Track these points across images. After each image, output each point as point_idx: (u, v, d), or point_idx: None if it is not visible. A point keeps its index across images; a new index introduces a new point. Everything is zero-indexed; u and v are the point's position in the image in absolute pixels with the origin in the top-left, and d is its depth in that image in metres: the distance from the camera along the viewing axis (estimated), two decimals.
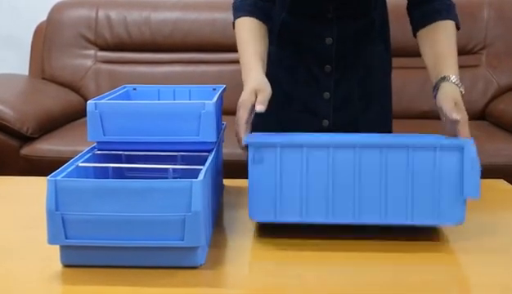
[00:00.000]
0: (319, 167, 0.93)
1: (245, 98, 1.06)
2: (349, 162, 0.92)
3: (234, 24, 1.25)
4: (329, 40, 1.27)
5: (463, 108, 1.05)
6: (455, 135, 1.03)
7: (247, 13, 1.23)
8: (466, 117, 1.04)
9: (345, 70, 1.29)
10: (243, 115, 1.04)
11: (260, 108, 1.04)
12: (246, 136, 1.00)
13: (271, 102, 1.08)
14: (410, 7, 1.27)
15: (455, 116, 1.02)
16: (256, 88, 1.08)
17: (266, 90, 1.08)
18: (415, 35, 1.26)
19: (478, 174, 0.91)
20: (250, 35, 1.21)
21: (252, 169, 0.94)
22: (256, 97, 1.06)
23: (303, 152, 0.93)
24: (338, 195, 0.93)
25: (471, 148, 0.91)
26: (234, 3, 1.27)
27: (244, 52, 1.19)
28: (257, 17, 1.22)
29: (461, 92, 1.10)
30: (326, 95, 1.30)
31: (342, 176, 0.92)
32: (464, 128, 1.02)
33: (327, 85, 1.30)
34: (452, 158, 0.91)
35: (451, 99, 1.06)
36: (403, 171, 0.92)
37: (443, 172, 0.91)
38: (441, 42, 1.19)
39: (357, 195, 0.92)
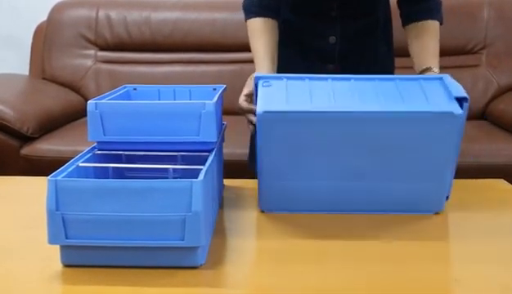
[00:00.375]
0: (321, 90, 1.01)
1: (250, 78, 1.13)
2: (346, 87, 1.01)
3: (246, 22, 1.30)
4: (332, 39, 1.28)
5: None
6: None
7: (255, 14, 1.28)
8: None
9: (348, 69, 1.29)
10: (246, 89, 1.17)
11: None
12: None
13: None
14: (401, 4, 1.31)
15: None
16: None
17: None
18: (403, 27, 1.30)
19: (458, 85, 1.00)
20: (260, 36, 1.26)
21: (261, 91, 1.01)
22: None
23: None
24: (339, 95, 1.00)
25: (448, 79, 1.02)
26: (243, 4, 1.32)
27: (256, 53, 1.26)
28: (265, 16, 1.26)
29: None
30: None
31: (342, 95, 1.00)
32: None
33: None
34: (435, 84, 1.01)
35: None
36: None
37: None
38: (427, 36, 1.26)
39: (357, 95, 0.99)
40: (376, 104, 0.97)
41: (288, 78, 1.04)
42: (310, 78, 1.04)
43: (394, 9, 1.36)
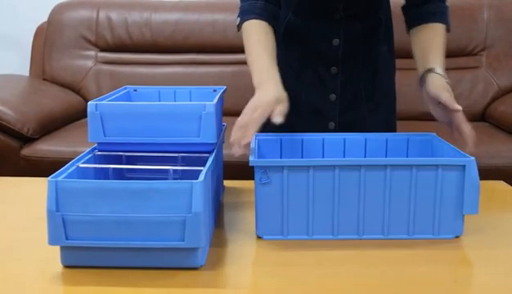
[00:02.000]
0: (324, 187, 0.93)
1: (267, 102, 1.03)
2: (354, 181, 0.93)
3: (240, 26, 1.23)
4: (336, 41, 1.26)
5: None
6: (453, 122, 1.08)
7: (257, 16, 1.21)
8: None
9: (351, 72, 1.29)
10: (259, 117, 1.01)
11: (278, 119, 1.02)
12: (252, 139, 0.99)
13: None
14: (407, 7, 1.28)
15: (457, 106, 1.06)
16: (278, 97, 1.05)
17: (286, 101, 1.07)
18: (408, 32, 1.27)
19: (478, 191, 0.94)
20: (263, 38, 1.19)
21: (259, 190, 0.94)
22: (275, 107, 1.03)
23: (310, 173, 0.93)
24: (342, 213, 0.95)
25: (473, 166, 0.93)
26: (242, 6, 1.24)
27: (259, 56, 1.16)
28: (266, 19, 1.21)
29: (448, 83, 1.14)
30: (332, 97, 1.29)
31: (346, 195, 0.94)
32: (464, 117, 1.07)
33: (333, 87, 1.29)
34: (453, 177, 0.93)
35: (446, 89, 1.11)
36: (406, 190, 0.94)
37: (444, 190, 0.94)
38: (431, 38, 1.22)
39: (361, 213, 0.94)
40: (380, 232, 0.95)
41: (288, 168, 0.92)
42: (314, 168, 0.92)
43: (394, 9, 1.35)
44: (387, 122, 1.36)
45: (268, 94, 1.06)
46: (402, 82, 1.41)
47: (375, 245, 0.93)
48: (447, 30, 1.24)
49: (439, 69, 1.15)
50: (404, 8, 1.29)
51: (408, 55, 1.27)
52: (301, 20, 1.27)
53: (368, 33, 1.28)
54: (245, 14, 1.22)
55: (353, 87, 1.30)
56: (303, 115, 1.31)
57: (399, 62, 1.44)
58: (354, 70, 1.29)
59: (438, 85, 1.12)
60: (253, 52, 1.18)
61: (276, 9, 1.24)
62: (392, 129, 1.38)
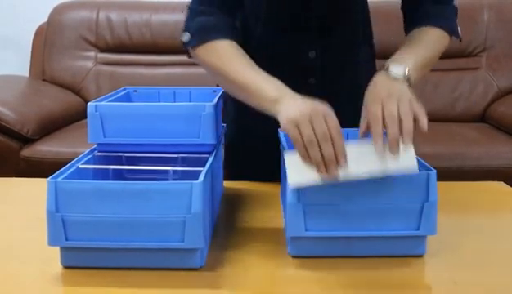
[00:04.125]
0: None
1: (323, 106, 0.88)
2: None
3: (197, 47, 1.06)
4: (312, 53, 1.16)
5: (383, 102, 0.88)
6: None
7: (227, 36, 1.05)
8: (376, 115, 0.87)
9: (331, 80, 1.20)
10: (336, 120, 0.86)
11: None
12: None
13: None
14: (403, 8, 1.19)
15: (361, 131, 0.91)
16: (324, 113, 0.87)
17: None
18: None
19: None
20: (245, 58, 1.02)
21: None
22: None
23: None
24: None
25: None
26: (201, 23, 1.07)
27: (257, 73, 0.99)
28: (236, 40, 1.05)
29: (393, 77, 0.94)
30: None
31: None
32: (377, 128, 0.87)
33: (312, 98, 1.21)
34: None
35: (375, 101, 0.90)
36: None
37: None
38: (412, 36, 1.08)
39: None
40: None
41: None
42: None
43: (374, 11, 1.27)
44: None
45: (308, 101, 0.90)
46: None
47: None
48: (451, 34, 1.11)
49: (394, 65, 0.96)
50: (402, 10, 1.20)
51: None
52: (272, 33, 1.16)
53: (346, 40, 1.19)
54: (209, 33, 1.05)
55: (334, 96, 1.14)
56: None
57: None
58: (334, 79, 1.20)
59: (372, 92, 0.93)
60: (245, 73, 1.00)
61: (232, 20, 1.10)
62: None
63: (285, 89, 0.94)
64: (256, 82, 0.97)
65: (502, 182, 1.29)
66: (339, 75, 1.22)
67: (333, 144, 0.83)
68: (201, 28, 1.06)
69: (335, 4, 1.14)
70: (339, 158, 0.83)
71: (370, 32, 1.29)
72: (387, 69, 0.96)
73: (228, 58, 1.03)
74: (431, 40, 1.08)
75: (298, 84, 1.11)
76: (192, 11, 1.10)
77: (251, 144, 1.22)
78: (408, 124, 0.84)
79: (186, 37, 1.08)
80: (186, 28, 1.09)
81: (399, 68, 0.95)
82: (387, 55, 1.03)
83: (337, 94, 1.20)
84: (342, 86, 1.23)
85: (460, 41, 1.16)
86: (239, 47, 1.05)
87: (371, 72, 1.27)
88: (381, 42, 1.33)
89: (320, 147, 0.83)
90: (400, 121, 0.85)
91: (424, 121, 0.85)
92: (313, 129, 0.84)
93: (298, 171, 0.85)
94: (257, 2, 1.16)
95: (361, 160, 0.84)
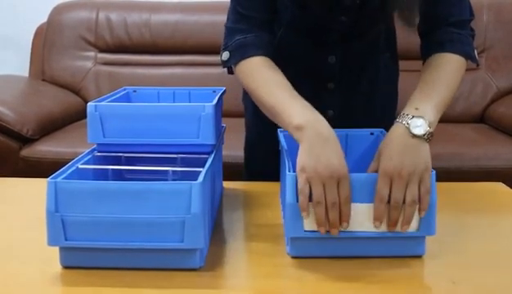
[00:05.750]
0: None
1: (342, 164, 0.85)
2: None
3: (238, 63, 1.07)
4: (331, 58, 1.17)
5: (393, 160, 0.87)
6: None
7: (263, 52, 1.06)
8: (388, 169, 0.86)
9: (349, 86, 1.21)
10: (348, 189, 0.85)
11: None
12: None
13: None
14: (420, 33, 1.15)
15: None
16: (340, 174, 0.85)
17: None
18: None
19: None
20: (277, 76, 1.02)
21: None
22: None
23: None
24: None
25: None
26: (239, 41, 1.09)
27: (282, 98, 0.97)
28: (268, 54, 1.07)
29: (412, 134, 0.89)
30: (330, 112, 1.19)
31: None
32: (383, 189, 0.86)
33: (330, 102, 1.21)
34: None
35: (389, 157, 0.88)
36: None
37: None
38: (427, 72, 1.04)
39: None
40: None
41: None
42: None
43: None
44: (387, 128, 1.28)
45: (328, 150, 0.86)
46: (405, 83, 1.36)
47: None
48: (467, 58, 1.08)
49: (414, 120, 0.90)
50: (419, 34, 1.14)
51: (411, 56, 1.21)
52: (293, 36, 1.18)
53: (367, 46, 1.19)
54: (248, 49, 1.07)
55: (352, 102, 1.22)
56: None
57: (402, 64, 1.39)
58: (352, 84, 1.21)
59: (387, 150, 0.89)
60: (272, 95, 0.99)
61: (268, 35, 1.11)
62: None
63: (309, 114, 0.92)
64: (283, 105, 0.96)
65: (501, 183, 1.29)
66: (357, 81, 1.22)
67: (340, 210, 0.85)
68: (239, 47, 1.09)
69: (363, 16, 1.13)
70: (342, 222, 0.86)
71: (394, 39, 1.28)
72: (407, 124, 0.90)
73: (260, 79, 1.04)
74: (451, 71, 1.05)
75: (317, 88, 1.17)
76: (230, 30, 1.13)
77: (270, 142, 1.18)
78: (410, 213, 0.86)
79: (225, 55, 1.11)
80: (225, 47, 1.12)
81: (420, 123, 0.90)
82: (408, 56, 0.99)
83: (356, 99, 1.22)
84: (360, 91, 1.23)
85: (478, 65, 1.14)
86: (272, 64, 1.05)
87: (391, 77, 1.28)
88: (401, 44, 1.31)
89: (326, 209, 0.85)
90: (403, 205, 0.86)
91: (424, 207, 0.87)
92: (324, 192, 0.84)
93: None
94: (282, 7, 1.15)
95: (364, 218, 0.87)
